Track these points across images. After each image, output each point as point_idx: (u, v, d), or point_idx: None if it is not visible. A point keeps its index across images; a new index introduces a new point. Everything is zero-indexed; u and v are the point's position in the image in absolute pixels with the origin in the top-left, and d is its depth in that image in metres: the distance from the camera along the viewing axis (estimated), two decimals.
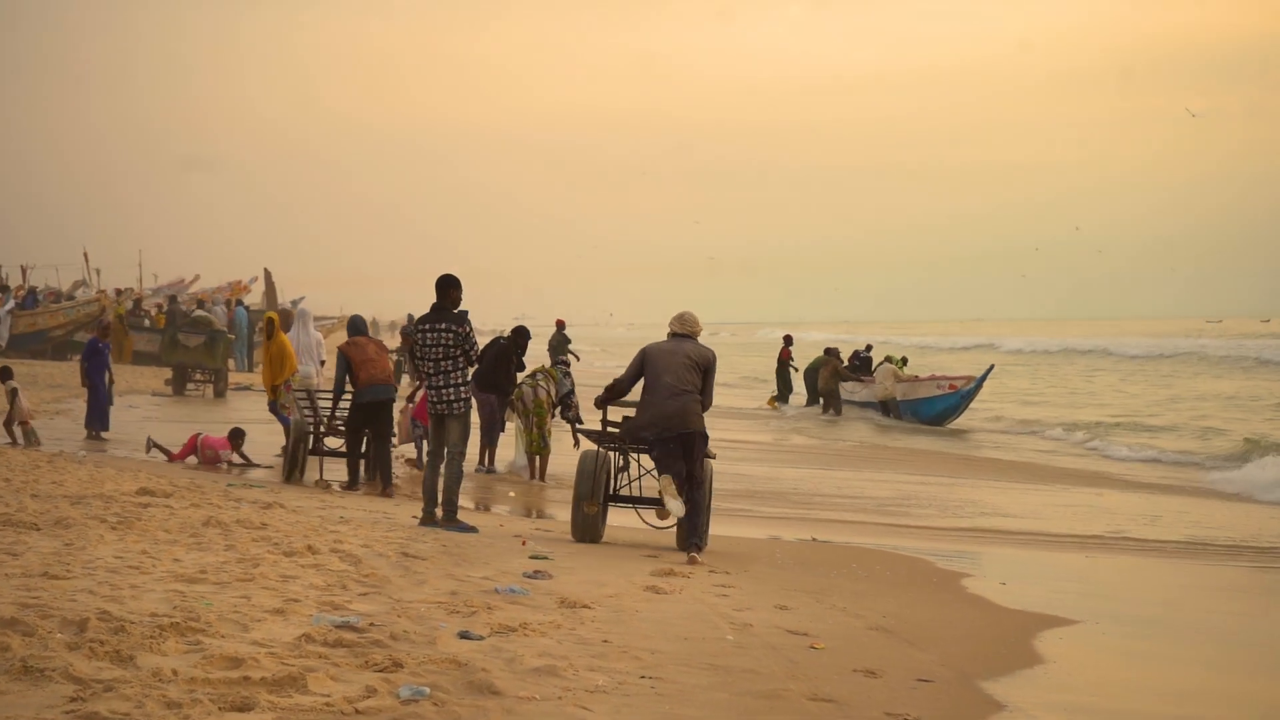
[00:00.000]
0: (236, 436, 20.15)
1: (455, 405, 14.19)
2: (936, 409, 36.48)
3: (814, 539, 15.43)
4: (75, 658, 7.09)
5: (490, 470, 20.73)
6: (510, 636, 8.61)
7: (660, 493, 13.06)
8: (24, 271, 62.44)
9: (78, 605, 8.32)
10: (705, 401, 13.25)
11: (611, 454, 14.13)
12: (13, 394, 21.01)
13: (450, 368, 14.14)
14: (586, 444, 14.55)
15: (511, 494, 19.01)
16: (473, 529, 13.79)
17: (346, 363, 17.84)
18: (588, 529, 13.86)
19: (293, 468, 18.56)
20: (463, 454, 14.35)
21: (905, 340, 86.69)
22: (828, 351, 40.63)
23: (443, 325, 14.15)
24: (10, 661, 6.91)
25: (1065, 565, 14.88)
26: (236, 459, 20.01)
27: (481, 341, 18.28)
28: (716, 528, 14.05)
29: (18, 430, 21.03)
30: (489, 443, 20.77)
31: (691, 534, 12.99)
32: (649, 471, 13.87)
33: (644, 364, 13.32)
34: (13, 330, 43.57)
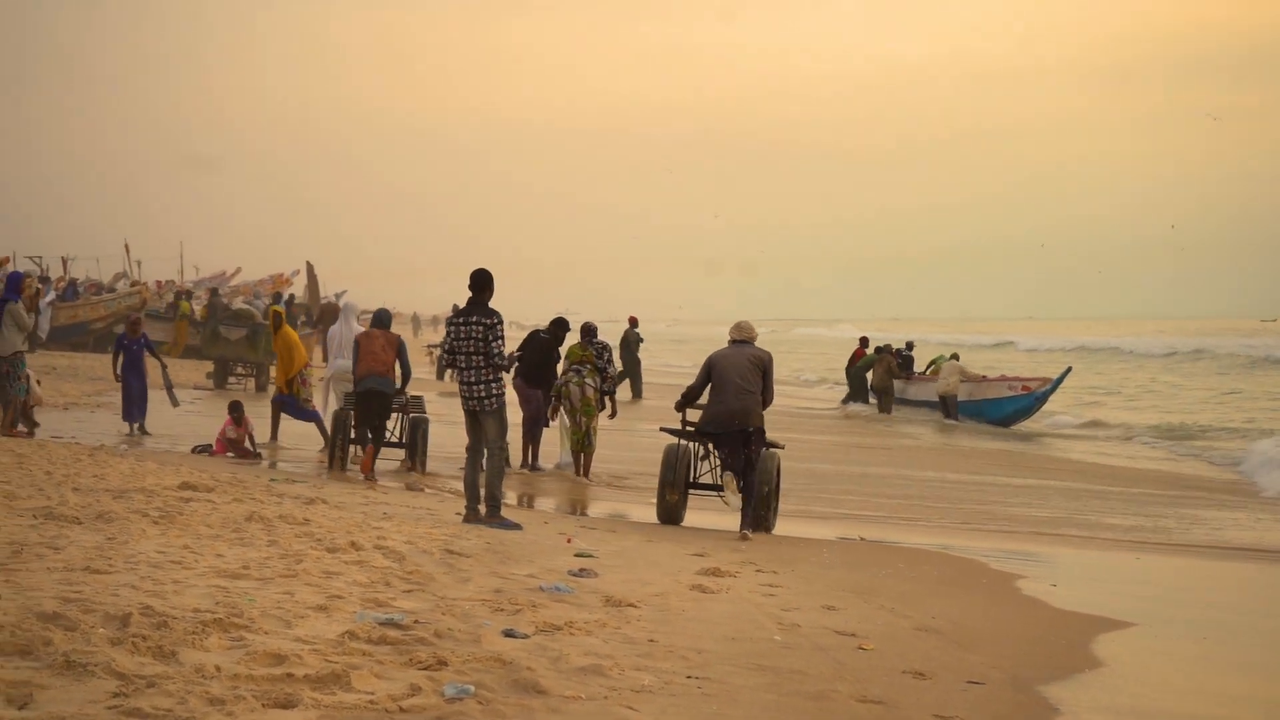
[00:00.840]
0: (235, 409, 20.32)
1: (488, 401, 14.09)
2: (1006, 410, 35.73)
3: (861, 538, 15.32)
4: (118, 653, 7.04)
5: (536, 468, 20.50)
6: (555, 635, 8.54)
7: (724, 486, 15.01)
8: (65, 263, 62.73)
9: (120, 600, 8.27)
10: (767, 398, 15.20)
11: (692, 446, 15.95)
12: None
13: (482, 363, 14.04)
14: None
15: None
16: (517, 526, 13.70)
17: (356, 351, 18.91)
18: (671, 513, 15.80)
19: (333, 457, 18.81)
20: (503, 449, 14.25)
21: (947, 338, 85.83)
22: (880, 349, 40.22)
23: (474, 319, 14.07)
24: (53, 656, 6.87)
25: (1118, 567, 14.68)
26: (245, 433, 20.12)
27: (519, 336, 18.22)
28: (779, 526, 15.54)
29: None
30: (533, 439, 20.55)
31: (745, 516, 14.92)
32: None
33: (711, 370, 15.21)
34: (54, 322, 43.75)
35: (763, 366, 15.16)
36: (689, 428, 15.81)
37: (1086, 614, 11.18)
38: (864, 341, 41.18)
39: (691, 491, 16.03)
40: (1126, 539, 16.67)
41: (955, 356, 38.73)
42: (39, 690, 6.38)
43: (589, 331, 20.64)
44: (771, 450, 15.43)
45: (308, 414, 20.94)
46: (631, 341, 39.22)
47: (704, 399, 15.44)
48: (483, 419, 14.17)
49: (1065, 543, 16.17)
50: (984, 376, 38.16)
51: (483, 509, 13.96)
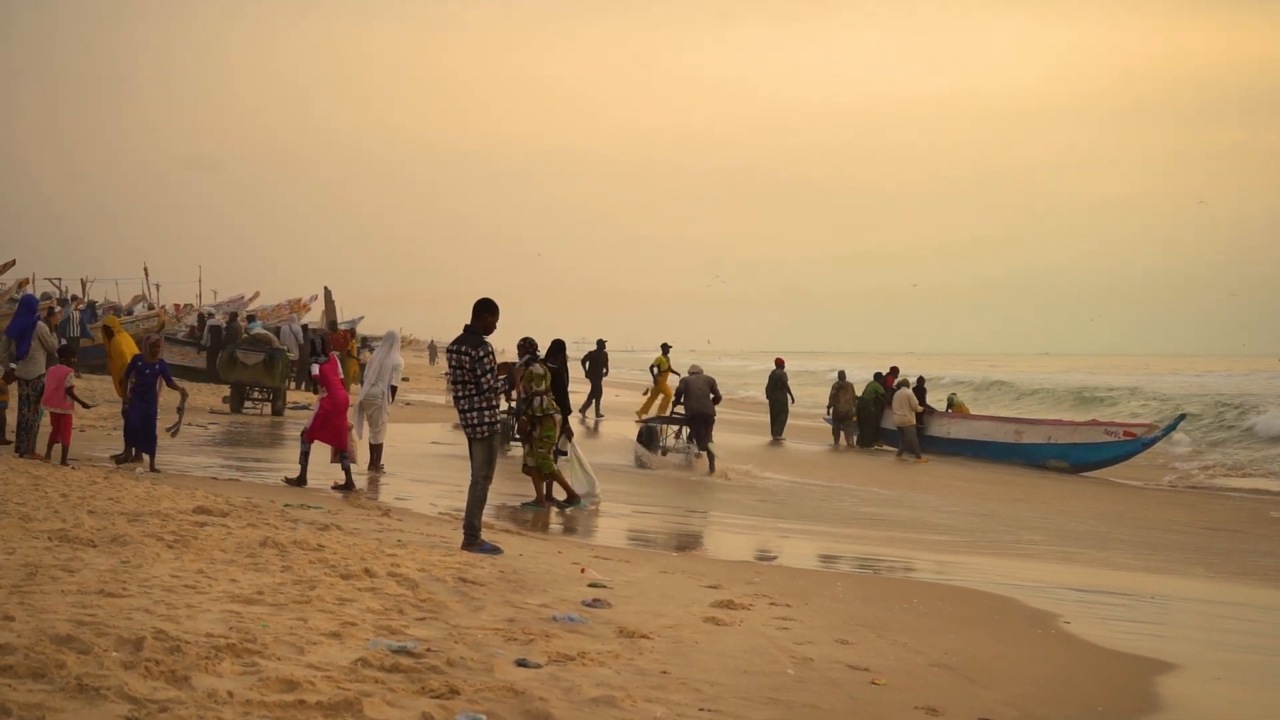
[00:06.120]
0: (65, 353, 20.44)
1: (478, 429, 14.00)
2: (1104, 455, 34.47)
3: (875, 571, 15.30)
4: (130, 677, 7.04)
5: (551, 500, 20.16)
6: (568, 665, 8.53)
7: (694, 450, 28.18)
8: (84, 285, 62.90)
9: (134, 624, 8.28)
10: (716, 399, 28.43)
11: (663, 427, 29.74)
12: None
13: (473, 391, 14.01)
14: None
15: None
16: (497, 549, 13.71)
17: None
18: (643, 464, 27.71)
19: None
20: (486, 478, 14.14)
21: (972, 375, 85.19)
22: (840, 376, 40.04)
23: (463, 348, 14.04)
24: (66, 679, 6.88)
25: (1138, 603, 14.53)
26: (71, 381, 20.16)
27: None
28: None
29: None
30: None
31: (711, 466, 27.30)
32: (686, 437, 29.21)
33: (686, 386, 28.62)
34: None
35: (712, 384, 28.54)
36: (676, 414, 29.47)
37: (1108, 649, 11.16)
38: (894, 372, 39.91)
39: (665, 448, 28.89)
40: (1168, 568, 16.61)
41: (905, 384, 37.77)
42: (51, 713, 6.39)
43: (534, 348, 20.20)
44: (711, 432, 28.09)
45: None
46: (781, 382, 39.45)
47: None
48: (472, 446, 14.12)
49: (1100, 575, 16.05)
50: (932, 410, 38.03)
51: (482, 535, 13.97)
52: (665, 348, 42.89)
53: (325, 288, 51.82)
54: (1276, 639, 13.23)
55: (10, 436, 21.40)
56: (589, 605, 10.88)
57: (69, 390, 19.95)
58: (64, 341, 22.57)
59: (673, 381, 38.84)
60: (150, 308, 56.76)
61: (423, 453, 26.62)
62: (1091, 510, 25.37)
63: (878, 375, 39.46)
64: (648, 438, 28.98)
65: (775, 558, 16.60)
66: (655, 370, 41.70)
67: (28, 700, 6.50)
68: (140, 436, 20.48)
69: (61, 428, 19.86)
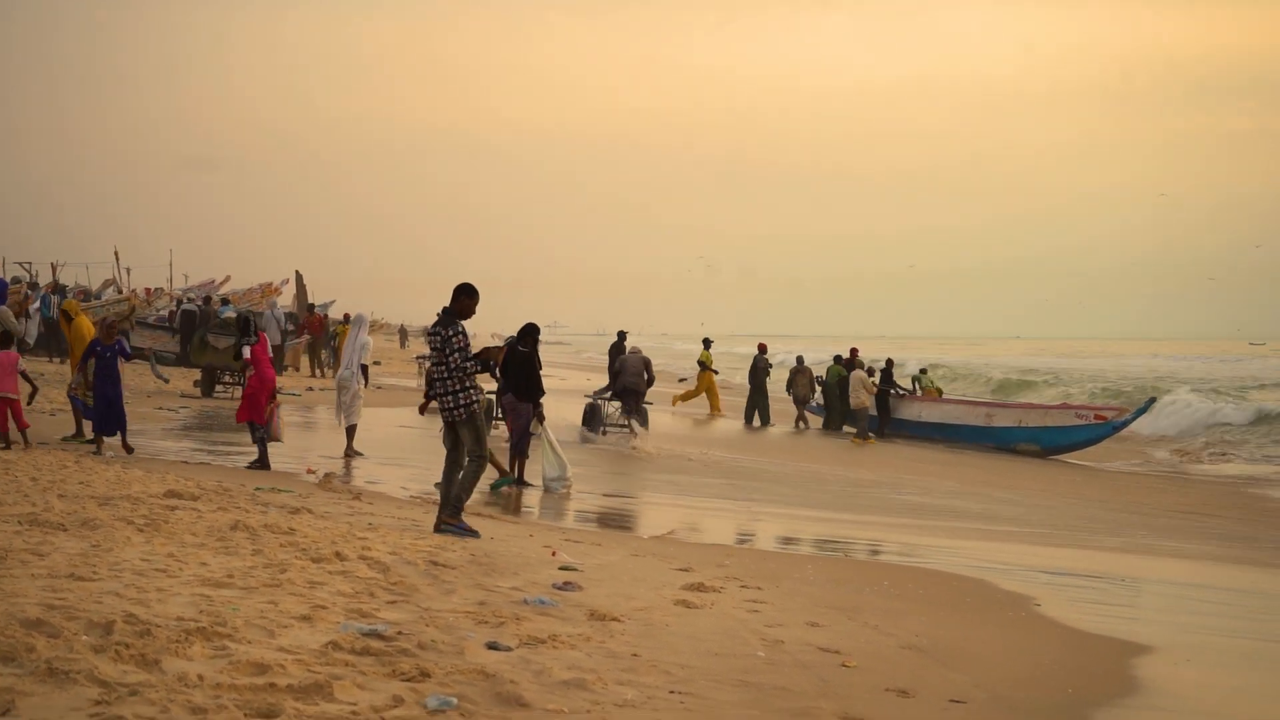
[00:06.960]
0: (5, 340, 20.23)
1: (456, 411, 14.02)
2: (1075, 438, 34.46)
3: (845, 555, 15.33)
4: (101, 660, 7.04)
5: (524, 483, 20.28)
6: (539, 648, 8.54)
7: (630, 425, 29.51)
8: (54, 269, 62.57)
9: (104, 607, 8.27)
10: (649, 378, 30.91)
11: (606, 404, 31.54)
12: None
13: (447, 374, 14.04)
14: None
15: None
16: (474, 533, 13.70)
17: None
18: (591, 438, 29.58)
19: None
20: (482, 457, 14.15)
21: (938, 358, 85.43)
22: (799, 361, 40.44)
23: (436, 330, 14.08)
24: (35, 663, 6.88)
25: (1109, 584, 14.60)
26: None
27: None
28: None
29: None
30: (521, 453, 20.39)
31: (640, 435, 28.71)
32: (622, 412, 30.92)
33: (621, 364, 30.96)
34: (41, 328, 43.44)
35: (646, 362, 30.98)
36: (610, 392, 31.52)
37: (1081, 631, 11.20)
38: (854, 354, 38.78)
39: (606, 428, 30.56)
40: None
41: (860, 365, 37.46)
42: (21, 697, 6.38)
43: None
44: (645, 406, 30.82)
45: (77, 403, 20.75)
46: (761, 369, 39.63)
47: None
48: (457, 428, 14.13)
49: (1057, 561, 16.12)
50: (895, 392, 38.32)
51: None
52: (707, 342, 42.52)
53: (296, 271, 51.85)
54: (1249, 621, 13.26)
55: None
56: (560, 588, 10.89)
57: (22, 373, 19.92)
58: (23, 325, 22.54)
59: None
60: (120, 291, 56.41)
61: (393, 436, 26.60)
62: (1062, 493, 25.48)
63: (838, 358, 39.28)
64: (591, 416, 31.13)
65: (746, 540, 16.62)
66: (701, 366, 41.66)
67: None
68: (108, 419, 20.23)
69: (14, 412, 19.71)
